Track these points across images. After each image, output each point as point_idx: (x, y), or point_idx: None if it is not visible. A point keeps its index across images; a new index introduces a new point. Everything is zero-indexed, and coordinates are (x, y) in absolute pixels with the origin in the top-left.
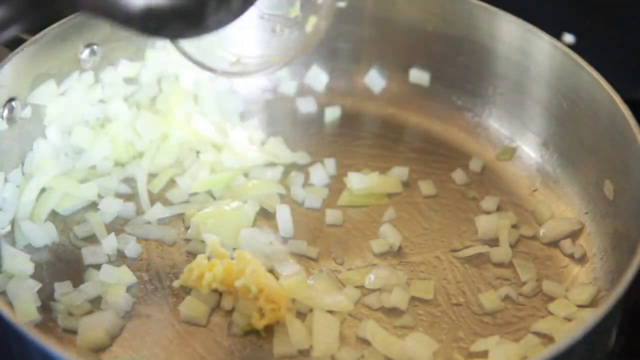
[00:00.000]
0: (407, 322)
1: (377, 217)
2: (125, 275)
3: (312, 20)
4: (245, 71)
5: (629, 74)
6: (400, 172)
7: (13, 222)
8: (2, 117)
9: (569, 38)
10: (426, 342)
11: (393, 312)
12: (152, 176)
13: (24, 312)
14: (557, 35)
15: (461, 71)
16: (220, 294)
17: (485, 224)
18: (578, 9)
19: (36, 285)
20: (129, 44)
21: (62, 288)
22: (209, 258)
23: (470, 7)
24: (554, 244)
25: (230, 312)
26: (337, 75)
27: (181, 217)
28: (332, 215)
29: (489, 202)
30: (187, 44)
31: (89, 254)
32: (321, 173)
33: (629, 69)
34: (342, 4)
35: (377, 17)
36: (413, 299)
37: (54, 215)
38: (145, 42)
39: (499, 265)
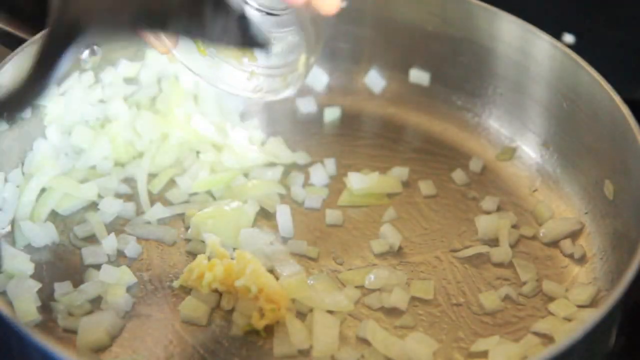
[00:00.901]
0: (407, 322)
1: (377, 217)
2: (125, 275)
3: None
4: (262, 91)
5: (629, 74)
6: (400, 172)
7: (13, 222)
8: (3, 117)
9: (569, 38)
10: (426, 342)
11: (393, 312)
12: (152, 176)
13: (24, 312)
14: (557, 35)
15: (461, 71)
16: (220, 294)
17: (485, 224)
18: (578, 8)
19: (36, 285)
20: (129, 44)
21: (62, 288)
22: (209, 258)
23: (470, 7)
24: (554, 244)
25: (230, 312)
26: (337, 75)
27: (181, 217)
28: (332, 215)
29: (488, 202)
30: (198, 63)
31: (89, 254)
32: (321, 173)
33: (629, 69)
34: (342, 4)
35: (377, 17)
36: (413, 299)
37: (54, 215)
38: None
39: (499, 265)
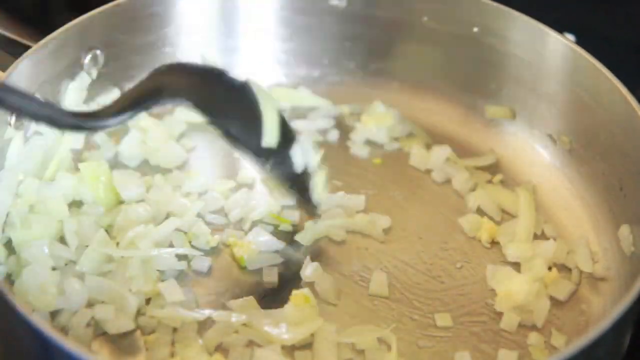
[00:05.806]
0: None
1: None
2: None
3: None
4: None
5: (630, 73)
6: None
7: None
8: (11, 124)
9: (569, 38)
10: None
11: None
12: None
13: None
14: None
15: (470, 69)
16: None
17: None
18: (578, 8)
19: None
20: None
21: None
22: None
23: (478, 6)
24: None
25: None
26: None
27: None
28: None
29: None
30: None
31: None
32: None
33: (629, 68)
34: (342, 4)
35: (381, 17)
36: None
37: None
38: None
39: None
